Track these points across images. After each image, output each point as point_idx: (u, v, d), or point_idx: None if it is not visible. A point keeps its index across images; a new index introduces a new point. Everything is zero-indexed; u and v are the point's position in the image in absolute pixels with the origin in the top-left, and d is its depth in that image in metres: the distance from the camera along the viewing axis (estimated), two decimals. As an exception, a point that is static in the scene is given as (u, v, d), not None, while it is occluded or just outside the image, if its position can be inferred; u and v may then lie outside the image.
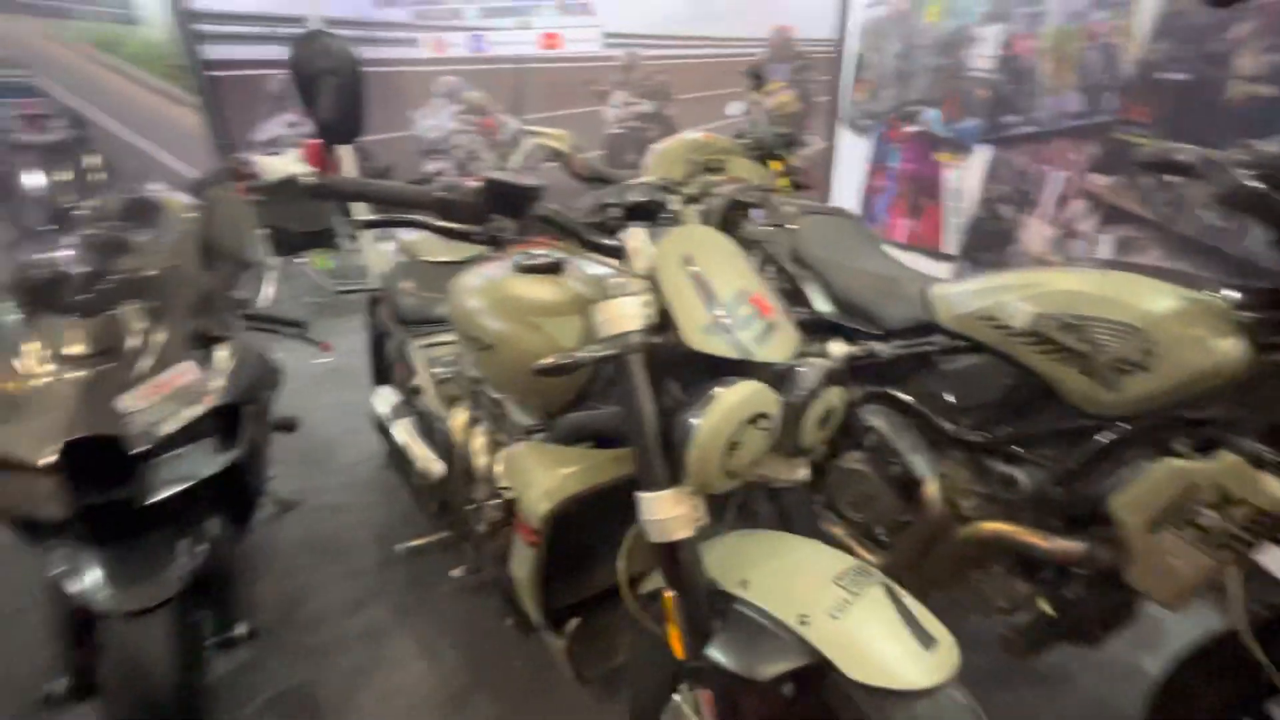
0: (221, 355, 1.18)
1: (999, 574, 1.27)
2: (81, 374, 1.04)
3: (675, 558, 0.82)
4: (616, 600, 0.98)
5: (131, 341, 1.10)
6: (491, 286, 1.09)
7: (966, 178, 3.22)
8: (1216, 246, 2.02)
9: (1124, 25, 2.39)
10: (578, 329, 0.98)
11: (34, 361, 1.05)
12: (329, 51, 1.02)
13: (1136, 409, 1.05)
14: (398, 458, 1.62)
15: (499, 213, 0.83)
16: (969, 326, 1.22)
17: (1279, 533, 0.94)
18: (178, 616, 1.05)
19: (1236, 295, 0.99)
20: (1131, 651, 1.54)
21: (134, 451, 1.02)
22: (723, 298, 0.83)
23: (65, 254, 1.17)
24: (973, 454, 1.27)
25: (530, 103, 3.90)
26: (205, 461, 1.12)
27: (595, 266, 1.03)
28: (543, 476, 1.00)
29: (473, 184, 0.82)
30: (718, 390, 0.78)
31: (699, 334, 0.80)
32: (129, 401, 1.03)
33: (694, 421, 0.77)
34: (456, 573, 1.35)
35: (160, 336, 1.13)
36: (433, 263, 1.73)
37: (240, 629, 1.24)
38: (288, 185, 0.82)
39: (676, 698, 0.94)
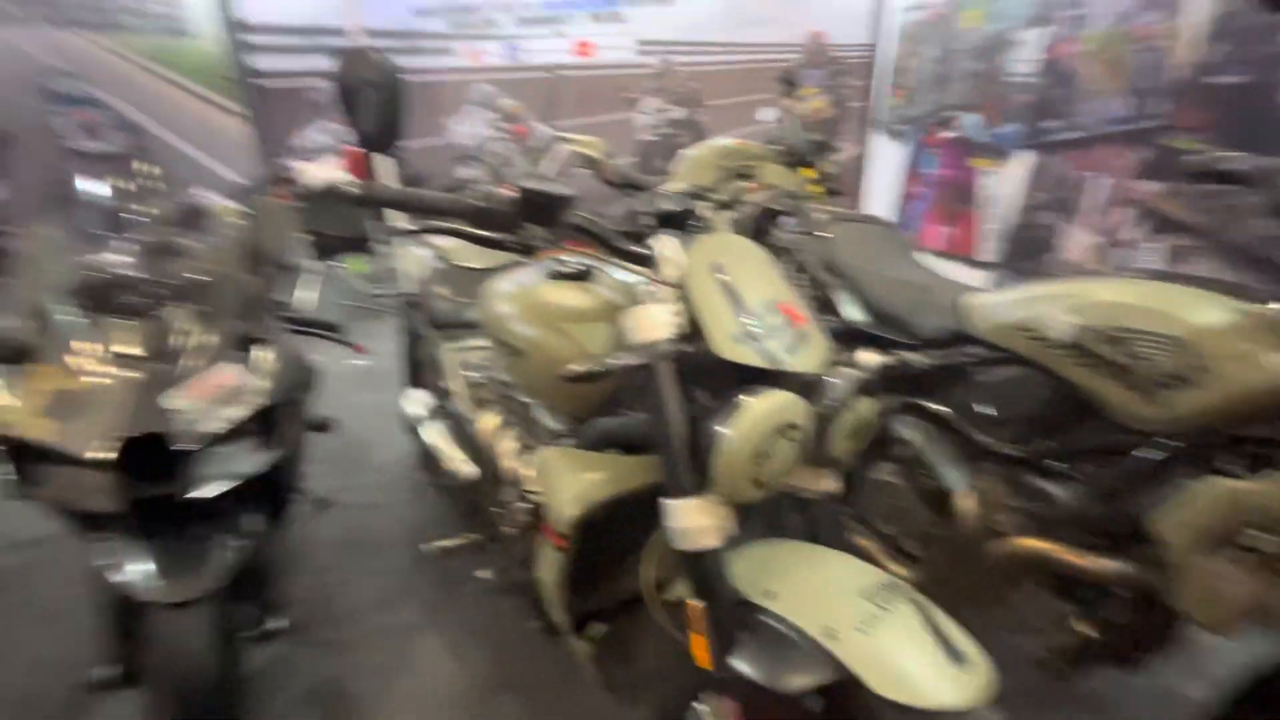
0: (263, 357, 1.22)
1: (1034, 592, 1.23)
2: (136, 374, 1.09)
3: (701, 566, 0.81)
4: (641, 606, 0.98)
5: (181, 343, 1.15)
6: (523, 293, 1.10)
7: (1005, 184, 3.15)
8: (1269, 258, 1.94)
9: (1173, 27, 2.31)
10: (608, 336, 0.98)
11: (91, 360, 1.10)
12: (371, 65, 1.06)
13: (1183, 425, 1.01)
14: (428, 459, 1.64)
15: (532, 221, 0.85)
16: (1006, 337, 1.19)
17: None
18: (219, 609, 1.09)
19: None
20: (1176, 677, 1.48)
21: (182, 449, 1.06)
22: (752, 306, 0.83)
23: (122, 259, 1.22)
24: (1008, 468, 1.24)
25: (563, 110, 3.94)
26: (248, 460, 1.15)
27: (626, 274, 1.04)
28: (571, 482, 1.00)
29: (507, 193, 0.83)
30: (746, 399, 0.77)
31: (728, 342, 0.80)
32: (178, 401, 1.07)
33: (722, 430, 0.77)
34: (483, 574, 1.36)
35: (208, 339, 1.17)
36: (466, 268, 1.75)
37: (276, 622, 1.29)
38: (331, 192, 0.85)
39: (699, 706, 0.94)
